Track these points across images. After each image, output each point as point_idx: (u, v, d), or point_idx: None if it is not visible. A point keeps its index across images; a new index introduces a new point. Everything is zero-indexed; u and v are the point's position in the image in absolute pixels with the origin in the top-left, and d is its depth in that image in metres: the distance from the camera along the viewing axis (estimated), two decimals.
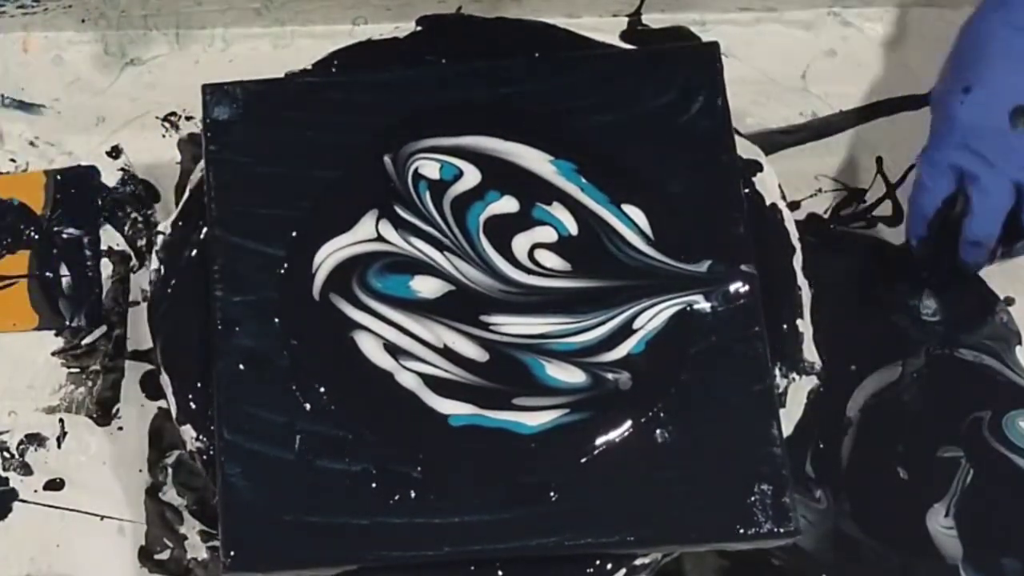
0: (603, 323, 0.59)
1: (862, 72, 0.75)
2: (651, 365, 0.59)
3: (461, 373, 0.59)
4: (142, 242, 0.72)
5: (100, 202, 0.73)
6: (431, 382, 0.59)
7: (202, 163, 0.64)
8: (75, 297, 0.71)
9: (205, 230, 0.62)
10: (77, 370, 0.70)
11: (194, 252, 0.64)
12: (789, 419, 0.60)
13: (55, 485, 0.68)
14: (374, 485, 0.58)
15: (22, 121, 0.75)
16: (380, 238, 0.61)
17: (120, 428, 0.69)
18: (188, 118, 0.75)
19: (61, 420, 0.69)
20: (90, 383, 0.70)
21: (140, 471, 0.68)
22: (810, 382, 0.61)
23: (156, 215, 0.73)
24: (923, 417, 0.66)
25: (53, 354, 0.71)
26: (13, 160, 0.74)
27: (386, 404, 0.59)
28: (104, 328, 0.71)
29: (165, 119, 0.75)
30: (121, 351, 0.71)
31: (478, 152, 0.62)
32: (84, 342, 0.71)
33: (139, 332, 0.70)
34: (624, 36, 0.76)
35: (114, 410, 0.69)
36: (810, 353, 0.61)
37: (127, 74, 0.76)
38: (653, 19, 0.76)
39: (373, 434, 0.58)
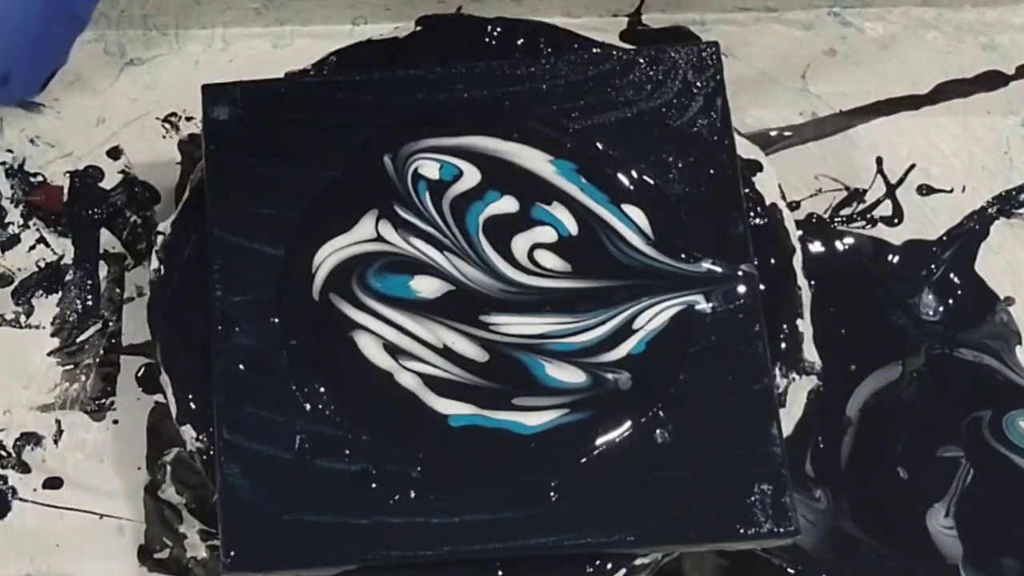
0: (603, 323, 0.59)
1: (862, 72, 0.75)
2: (651, 365, 0.59)
3: (461, 373, 0.59)
4: (142, 245, 0.73)
5: (99, 204, 0.73)
6: (431, 382, 0.59)
7: (202, 163, 0.64)
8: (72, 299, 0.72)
9: (205, 230, 0.62)
10: (71, 366, 0.70)
11: (194, 252, 0.64)
12: (789, 419, 0.60)
13: (53, 484, 0.68)
14: (374, 485, 0.58)
15: (22, 119, 0.75)
16: (380, 238, 0.61)
17: (115, 421, 0.69)
18: (188, 118, 0.75)
19: (58, 420, 0.69)
20: (84, 377, 0.70)
21: (139, 469, 0.68)
22: (810, 382, 0.61)
23: (156, 216, 0.73)
24: (923, 417, 0.66)
25: (49, 354, 0.71)
26: (10, 151, 0.74)
27: (386, 404, 0.59)
28: (99, 324, 0.71)
29: (165, 119, 0.75)
30: (115, 345, 0.71)
31: (478, 152, 0.62)
32: (78, 340, 0.71)
33: (134, 326, 0.70)
34: (624, 36, 0.76)
35: (108, 401, 0.69)
36: (810, 353, 0.61)
37: (127, 74, 0.76)
38: (653, 19, 0.76)
39: (373, 434, 0.58)
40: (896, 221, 0.71)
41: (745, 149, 0.64)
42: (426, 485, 0.57)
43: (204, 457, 0.61)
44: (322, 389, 0.59)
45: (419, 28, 0.68)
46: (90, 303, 0.71)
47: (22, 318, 0.72)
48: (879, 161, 0.73)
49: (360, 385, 0.59)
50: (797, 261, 0.62)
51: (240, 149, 0.63)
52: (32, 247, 0.73)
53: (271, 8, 0.76)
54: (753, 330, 0.59)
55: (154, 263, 0.64)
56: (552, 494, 0.57)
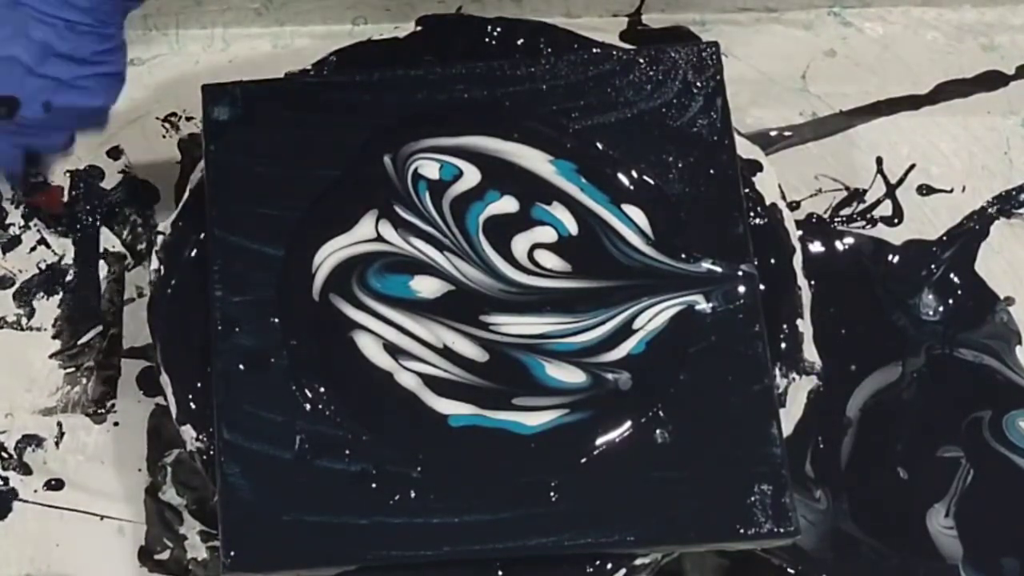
0: (603, 323, 0.59)
1: (862, 72, 0.75)
2: (651, 365, 0.59)
3: (461, 373, 0.59)
4: (142, 246, 0.73)
5: (99, 204, 0.73)
6: (431, 382, 0.59)
7: (202, 163, 0.64)
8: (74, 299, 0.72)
9: (205, 230, 0.62)
10: (73, 369, 0.70)
11: (194, 252, 0.64)
12: (789, 419, 0.60)
13: (54, 485, 0.68)
14: (374, 485, 0.58)
15: None
16: (380, 238, 0.61)
17: (116, 424, 0.69)
18: (188, 118, 0.75)
19: (59, 423, 0.69)
20: (84, 380, 0.70)
21: (139, 470, 0.68)
22: (810, 382, 0.61)
23: (156, 215, 0.73)
24: (923, 417, 0.66)
25: (51, 356, 0.71)
26: None
27: (386, 404, 0.59)
28: (99, 326, 0.71)
29: (165, 119, 0.75)
30: (116, 348, 0.71)
31: (478, 152, 0.62)
32: (80, 342, 0.71)
33: (134, 329, 0.70)
34: (624, 36, 0.76)
35: (109, 404, 0.69)
36: (810, 353, 0.61)
37: (127, 74, 0.76)
38: (653, 19, 0.76)
39: (373, 434, 0.58)
40: (896, 221, 0.71)
41: (745, 149, 0.64)
42: (426, 485, 0.57)
43: (204, 457, 0.61)
44: (322, 389, 0.59)
45: (419, 28, 0.68)
46: (91, 304, 0.71)
47: (23, 320, 0.72)
48: (879, 161, 0.73)
49: (360, 385, 0.59)
50: (797, 261, 0.62)
51: (240, 149, 0.63)
52: (33, 248, 0.73)
53: (271, 8, 0.76)
54: (753, 330, 0.59)
55: (154, 263, 0.64)
56: (552, 494, 0.57)
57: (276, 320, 0.60)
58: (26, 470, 0.69)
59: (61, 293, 0.72)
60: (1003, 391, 0.67)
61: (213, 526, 0.65)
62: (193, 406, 0.61)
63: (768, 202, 0.63)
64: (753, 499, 0.56)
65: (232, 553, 0.57)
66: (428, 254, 0.61)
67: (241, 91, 0.64)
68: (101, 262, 0.72)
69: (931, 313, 0.69)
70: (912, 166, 0.72)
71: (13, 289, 0.72)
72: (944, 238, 0.71)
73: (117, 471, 0.69)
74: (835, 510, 0.65)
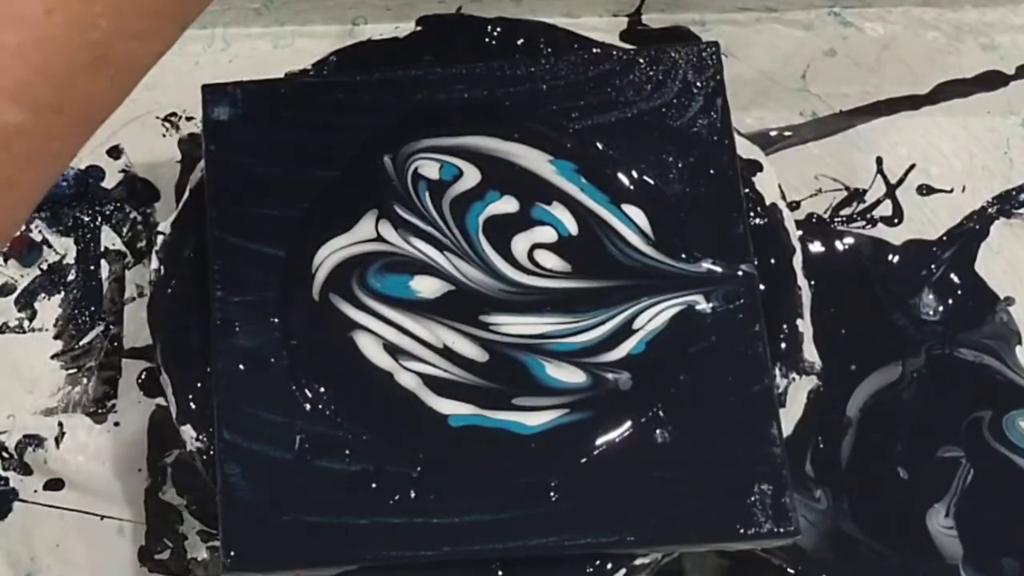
0: (603, 323, 0.59)
1: (862, 72, 0.75)
2: (651, 365, 0.59)
3: (461, 373, 0.59)
4: (142, 243, 0.73)
5: (100, 203, 0.73)
6: (431, 382, 0.59)
7: (202, 163, 0.64)
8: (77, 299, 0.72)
9: (205, 230, 0.62)
10: (75, 370, 0.70)
11: (194, 252, 0.64)
12: (789, 419, 0.60)
13: (55, 485, 0.68)
14: (373, 485, 0.57)
15: None
16: (380, 238, 0.61)
17: (116, 424, 0.69)
18: (188, 118, 0.75)
19: (60, 423, 0.69)
20: (85, 380, 0.70)
21: (139, 471, 0.68)
22: (810, 382, 0.61)
23: (156, 215, 0.73)
24: (923, 417, 0.66)
25: (52, 357, 0.71)
26: None
27: (386, 404, 0.59)
28: (101, 326, 0.71)
29: (165, 119, 0.75)
30: (117, 349, 0.71)
31: (478, 152, 0.62)
32: (81, 343, 0.71)
33: (135, 328, 0.70)
34: (624, 36, 0.76)
35: (110, 404, 0.70)
36: (810, 353, 0.61)
37: None
38: (653, 19, 0.76)
39: (373, 434, 0.58)
40: (896, 221, 0.71)
41: (745, 149, 0.64)
42: (426, 485, 0.57)
43: (204, 457, 0.61)
44: (322, 389, 0.59)
45: (419, 28, 0.68)
46: (92, 303, 0.71)
47: (25, 323, 0.72)
48: (879, 161, 0.73)
49: (360, 385, 0.59)
50: (797, 261, 0.62)
51: (240, 149, 0.63)
52: None
53: (271, 8, 0.76)
54: (753, 330, 0.59)
55: (154, 263, 0.64)
56: (552, 494, 0.57)
57: (276, 320, 0.60)
58: (26, 470, 0.69)
59: (63, 292, 0.72)
60: (1003, 391, 0.67)
61: (213, 526, 0.65)
62: (193, 406, 0.61)
63: (768, 202, 0.63)
64: (753, 499, 0.56)
65: (232, 553, 0.57)
66: (428, 254, 0.61)
67: (241, 91, 0.64)
68: (102, 261, 0.72)
69: (931, 313, 0.69)
70: (912, 166, 0.72)
71: (15, 295, 0.72)
72: (944, 238, 0.71)
73: (117, 471, 0.69)
74: (835, 510, 0.65)
